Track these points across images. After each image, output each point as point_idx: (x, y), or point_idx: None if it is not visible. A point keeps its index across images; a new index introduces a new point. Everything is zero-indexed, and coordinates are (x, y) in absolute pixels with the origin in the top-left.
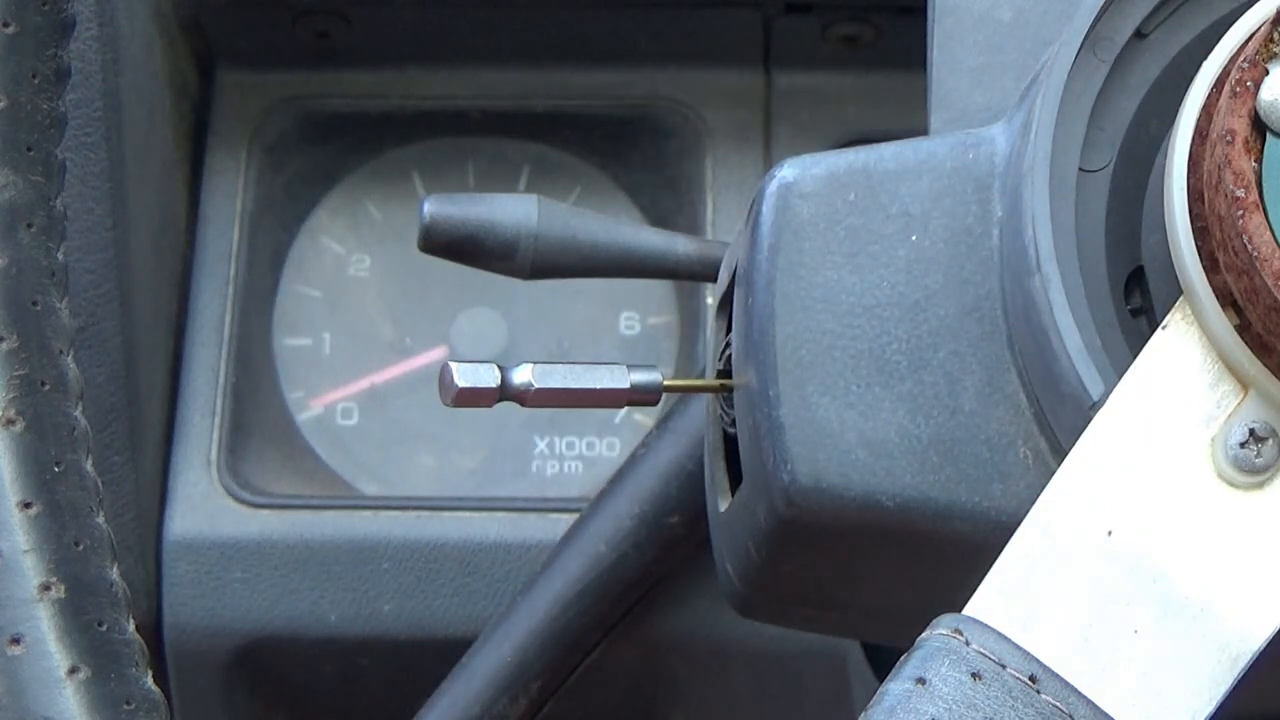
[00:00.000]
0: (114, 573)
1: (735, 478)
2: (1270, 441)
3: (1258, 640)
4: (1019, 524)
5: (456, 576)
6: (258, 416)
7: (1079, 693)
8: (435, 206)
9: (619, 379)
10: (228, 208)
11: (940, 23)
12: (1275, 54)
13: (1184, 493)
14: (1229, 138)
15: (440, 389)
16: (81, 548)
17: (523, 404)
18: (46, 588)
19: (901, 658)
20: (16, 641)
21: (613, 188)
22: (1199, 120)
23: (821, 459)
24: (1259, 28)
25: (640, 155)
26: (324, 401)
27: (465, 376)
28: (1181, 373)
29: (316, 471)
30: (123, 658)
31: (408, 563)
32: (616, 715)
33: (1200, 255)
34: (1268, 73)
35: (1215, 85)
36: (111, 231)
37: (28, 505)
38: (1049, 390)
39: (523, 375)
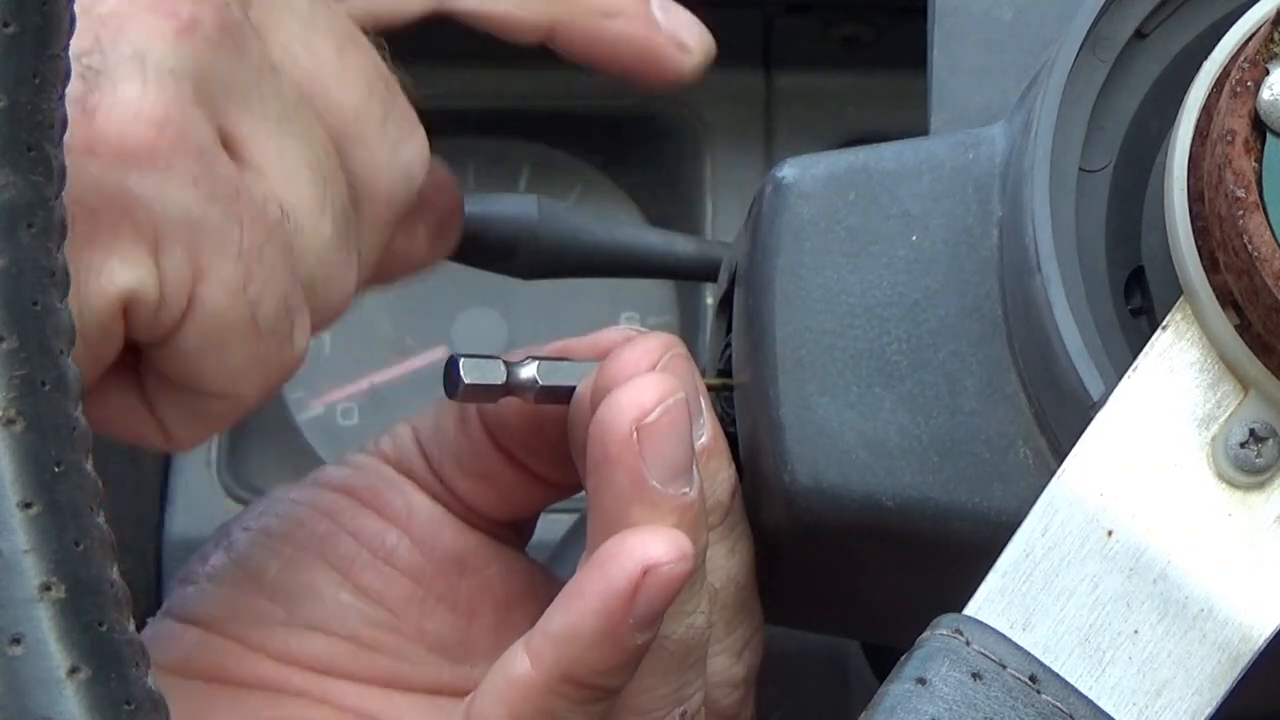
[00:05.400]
0: (114, 573)
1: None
2: (1270, 441)
3: (1258, 640)
4: (1019, 524)
5: None
6: (258, 416)
7: (1079, 693)
8: None
9: None
10: None
11: (940, 23)
12: (1275, 54)
13: (1184, 493)
14: (1229, 138)
15: (445, 383)
16: (82, 548)
17: (526, 400)
18: (47, 588)
19: (901, 658)
20: (17, 641)
21: (613, 188)
22: (1199, 120)
23: (821, 459)
24: (1259, 28)
25: (640, 155)
26: (324, 401)
27: (472, 373)
28: (1182, 373)
29: None
30: (124, 658)
31: None
32: None
33: (1200, 255)
34: (1268, 73)
35: (1215, 85)
36: None
37: (28, 505)
38: (1049, 390)
39: (528, 371)
